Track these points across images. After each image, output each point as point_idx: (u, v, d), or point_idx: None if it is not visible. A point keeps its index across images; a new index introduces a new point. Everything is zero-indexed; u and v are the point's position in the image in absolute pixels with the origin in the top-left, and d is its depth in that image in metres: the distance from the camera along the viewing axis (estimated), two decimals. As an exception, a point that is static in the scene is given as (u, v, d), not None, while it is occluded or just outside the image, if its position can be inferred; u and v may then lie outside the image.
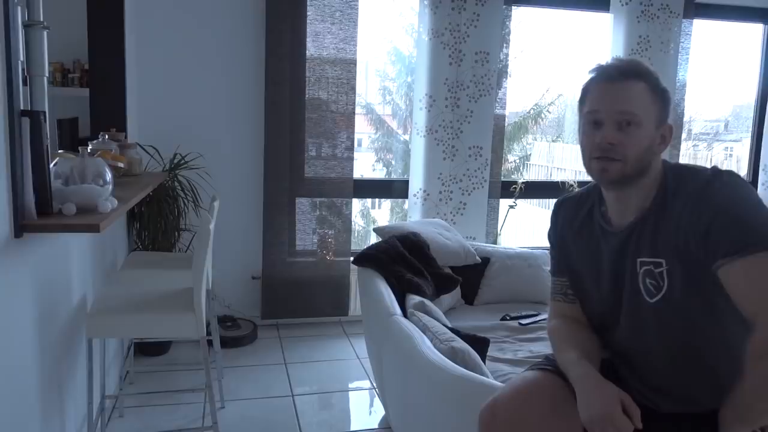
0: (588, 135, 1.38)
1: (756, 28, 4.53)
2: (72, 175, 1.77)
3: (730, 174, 1.30)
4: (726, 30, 4.59)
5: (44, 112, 1.65)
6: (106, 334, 2.25)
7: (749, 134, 4.72)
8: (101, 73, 3.01)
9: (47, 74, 1.81)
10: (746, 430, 1.22)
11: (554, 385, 1.41)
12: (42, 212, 1.60)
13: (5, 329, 1.54)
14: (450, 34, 3.72)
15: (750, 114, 4.71)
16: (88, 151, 1.99)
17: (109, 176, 1.85)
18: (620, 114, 1.32)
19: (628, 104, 1.32)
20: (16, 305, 1.62)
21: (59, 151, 2.13)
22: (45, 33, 1.74)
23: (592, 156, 1.37)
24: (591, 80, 1.39)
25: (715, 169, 1.32)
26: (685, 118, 4.33)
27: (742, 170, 4.74)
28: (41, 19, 1.73)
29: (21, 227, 1.54)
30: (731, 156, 5.89)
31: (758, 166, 4.61)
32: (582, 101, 1.42)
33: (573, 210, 1.57)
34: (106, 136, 2.56)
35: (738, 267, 1.22)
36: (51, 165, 1.68)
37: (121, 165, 2.44)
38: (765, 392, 1.20)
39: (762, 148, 4.58)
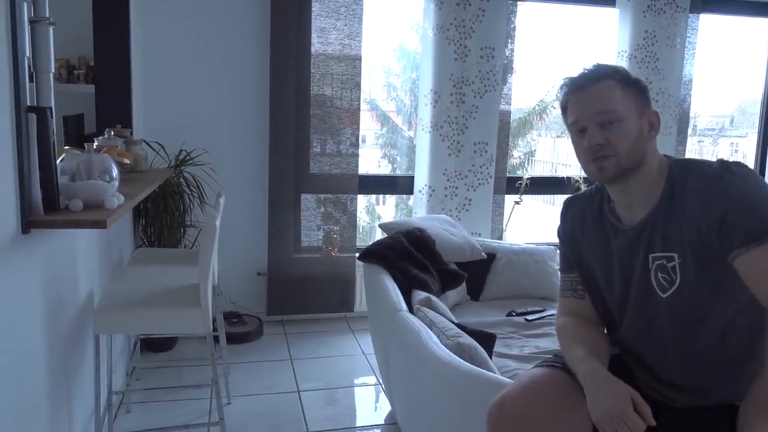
0: (578, 143, 1.44)
1: (763, 23, 4.51)
2: (78, 171, 1.77)
3: (739, 165, 1.31)
4: (732, 25, 4.57)
5: (51, 108, 1.64)
6: (113, 329, 2.25)
7: (755, 130, 4.70)
8: (106, 69, 3.01)
9: (53, 70, 1.81)
10: None
11: (563, 382, 1.40)
12: (49, 208, 1.61)
13: (13, 325, 1.54)
14: (455, 29, 3.71)
15: (756, 109, 4.69)
16: (94, 147, 1.99)
17: (115, 172, 1.85)
18: (599, 115, 1.37)
19: (602, 104, 1.37)
20: (23, 301, 1.62)
21: (65, 147, 2.12)
22: (51, 29, 1.73)
23: (587, 160, 1.41)
24: (565, 94, 1.45)
25: (722, 162, 1.33)
26: (691, 114, 4.32)
27: (748, 166, 4.72)
28: (47, 15, 1.73)
29: (28, 223, 1.55)
30: (737, 152, 5.87)
31: (765, 162, 4.59)
32: (564, 115, 1.48)
33: (583, 207, 1.58)
34: (112, 133, 2.56)
35: (755, 256, 1.23)
36: (57, 161, 1.68)
37: (127, 161, 2.44)
38: None
39: (769, 143, 4.57)
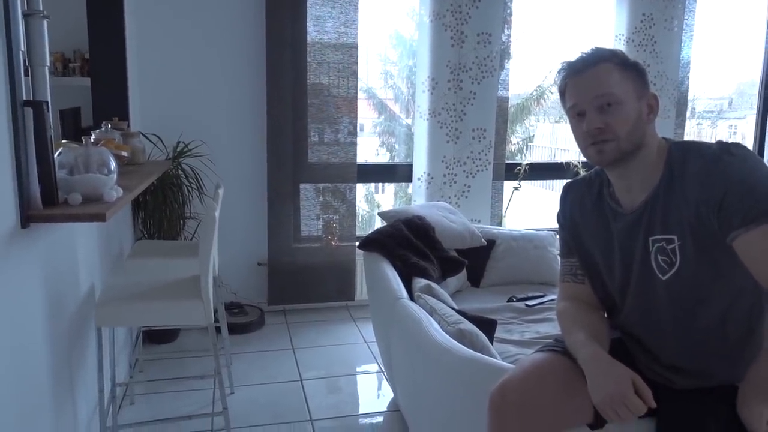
0: (577, 127, 1.43)
1: (760, 3, 4.48)
2: (76, 164, 1.77)
3: (737, 146, 1.31)
4: (730, 6, 4.54)
5: (47, 102, 1.64)
6: (115, 322, 2.26)
7: (753, 111, 4.69)
8: (102, 62, 2.99)
9: (48, 64, 1.80)
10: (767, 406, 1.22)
11: (564, 367, 1.41)
12: (47, 202, 1.60)
13: (15, 319, 1.55)
14: (451, 15, 3.69)
15: (754, 91, 4.68)
16: (92, 140, 1.99)
17: (113, 165, 1.84)
18: (597, 99, 1.36)
19: (600, 87, 1.36)
20: (24, 295, 1.62)
21: (62, 141, 2.12)
22: (45, 22, 1.72)
23: (586, 144, 1.41)
24: (563, 78, 1.45)
25: (721, 143, 1.33)
26: (689, 96, 4.30)
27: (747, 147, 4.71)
28: (41, 8, 1.72)
29: (27, 217, 1.55)
30: (735, 134, 5.87)
31: (764, 144, 4.58)
32: (563, 99, 1.47)
33: (582, 192, 1.58)
34: (109, 126, 2.56)
35: (753, 236, 1.23)
36: (55, 155, 1.68)
37: (125, 154, 2.43)
38: None
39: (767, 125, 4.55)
